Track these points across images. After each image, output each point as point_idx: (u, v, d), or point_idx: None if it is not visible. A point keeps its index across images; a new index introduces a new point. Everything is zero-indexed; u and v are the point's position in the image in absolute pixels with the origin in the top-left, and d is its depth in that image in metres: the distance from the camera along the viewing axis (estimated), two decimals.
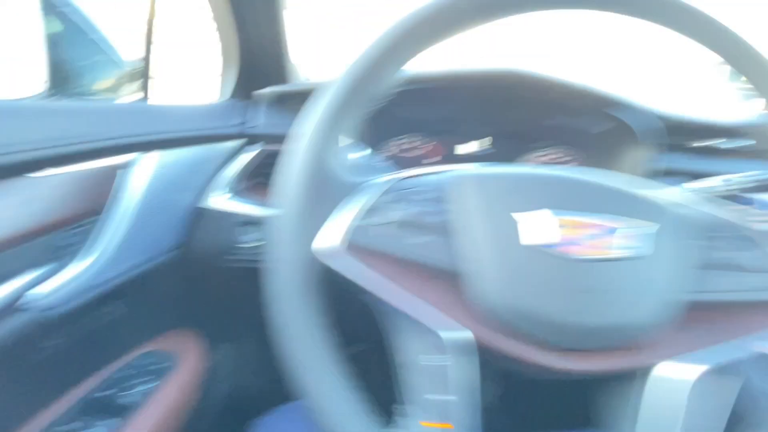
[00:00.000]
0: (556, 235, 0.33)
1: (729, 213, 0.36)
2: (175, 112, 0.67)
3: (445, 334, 0.33)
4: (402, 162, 0.79)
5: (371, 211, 0.35)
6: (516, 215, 0.34)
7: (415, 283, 0.34)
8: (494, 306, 0.33)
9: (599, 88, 0.69)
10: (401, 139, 0.78)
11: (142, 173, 0.60)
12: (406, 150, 0.78)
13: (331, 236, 0.34)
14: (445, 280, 0.34)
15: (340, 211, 0.35)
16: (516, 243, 0.33)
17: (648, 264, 0.33)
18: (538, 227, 0.33)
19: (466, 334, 0.33)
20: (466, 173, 0.37)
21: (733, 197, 0.44)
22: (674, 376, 0.33)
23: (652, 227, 0.33)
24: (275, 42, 0.78)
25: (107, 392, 0.53)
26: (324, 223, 0.34)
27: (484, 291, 0.33)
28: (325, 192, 0.35)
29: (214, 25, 0.73)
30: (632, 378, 0.35)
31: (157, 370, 0.59)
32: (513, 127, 0.78)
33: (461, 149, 0.79)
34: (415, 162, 0.79)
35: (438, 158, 0.79)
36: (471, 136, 0.79)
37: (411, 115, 0.77)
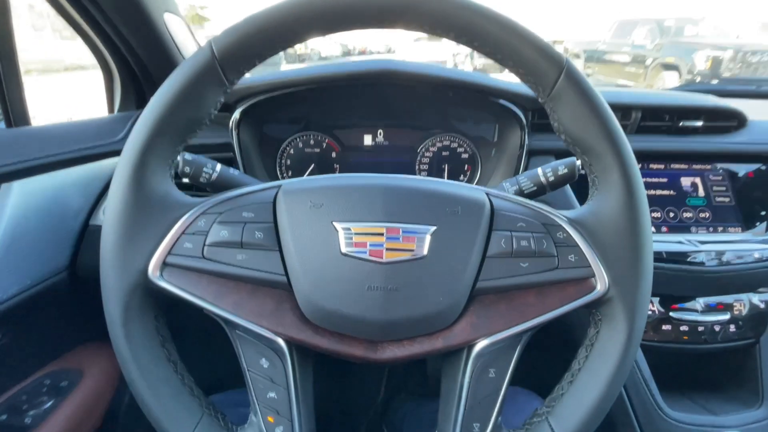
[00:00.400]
0: (364, 243, 0.36)
1: (531, 205, 0.40)
2: (54, 133, 0.66)
3: (274, 339, 0.36)
4: (298, 160, 0.80)
5: (195, 231, 0.37)
6: (337, 225, 0.37)
7: (243, 296, 0.37)
8: (318, 310, 0.36)
9: (476, 77, 0.72)
10: (295, 137, 0.80)
11: (18, 199, 0.60)
12: (301, 148, 0.80)
13: (155, 257, 0.36)
14: (273, 289, 0.37)
15: (165, 232, 0.37)
16: (337, 252, 0.36)
17: (427, 262, 0.36)
18: (350, 236, 0.36)
19: (293, 338, 0.36)
20: (289, 187, 0.39)
21: (541, 189, 0.48)
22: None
23: (429, 230, 0.37)
24: (158, 48, 0.77)
25: None
26: (148, 243, 0.36)
27: (309, 298, 0.36)
28: (148, 213, 0.36)
29: (81, 39, 0.72)
30: (451, 355, 0.39)
31: (57, 388, 0.62)
32: (402, 118, 0.80)
33: (355, 143, 0.81)
34: (312, 159, 0.81)
35: (334, 153, 0.81)
36: (363, 130, 0.81)
37: (301, 114, 0.79)
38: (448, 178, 0.81)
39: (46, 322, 0.65)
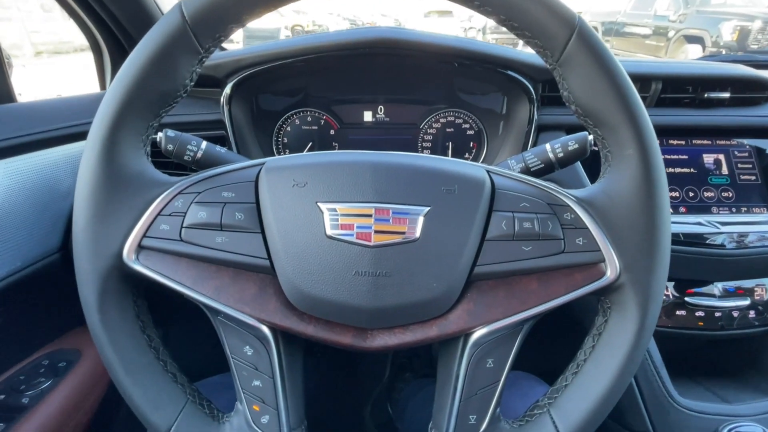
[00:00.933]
0: (351, 225, 0.33)
1: (536, 183, 0.37)
2: (40, 110, 0.64)
3: (257, 326, 0.34)
4: (295, 138, 0.77)
5: (172, 212, 0.35)
6: (322, 205, 0.34)
7: (224, 281, 0.35)
8: (303, 296, 0.34)
9: (482, 46, 0.67)
10: (291, 114, 0.76)
11: (4, 180, 0.59)
12: (298, 125, 0.77)
13: (130, 240, 0.34)
14: (256, 274, 0.35)
15: (140, 212, 0.34)
16: (322, 234, 0.33)
17: (420, 246, 0.33)
18: (336, 217, 0.33)
19: (277, 325, 0.34)
20: (272, 165, 0.36)
21: (549, 166, 0.44)
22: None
23: (422, 210, 0.34)
24: (145, 20, 0.73)
25: None
26: (122, 225, 0.34)
27: (294, 283, 0.33)
28: (121, 192, 0.34)
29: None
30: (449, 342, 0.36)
31: (55, 369, 0.62)
32: (404, 92, 0.76)
33: (354, 119, 0.77)
34: (310, 137, 0.77)
35: (332, 131, 0.77)
36: (363, 105, 0.77)
37: (297, 89, 0.75)
38: (453, 156, 0.77)
39: (41, 304, 0.65)
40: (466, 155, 0.78)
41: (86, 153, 0.34)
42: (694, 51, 5.47)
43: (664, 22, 6.03)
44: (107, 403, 0.65)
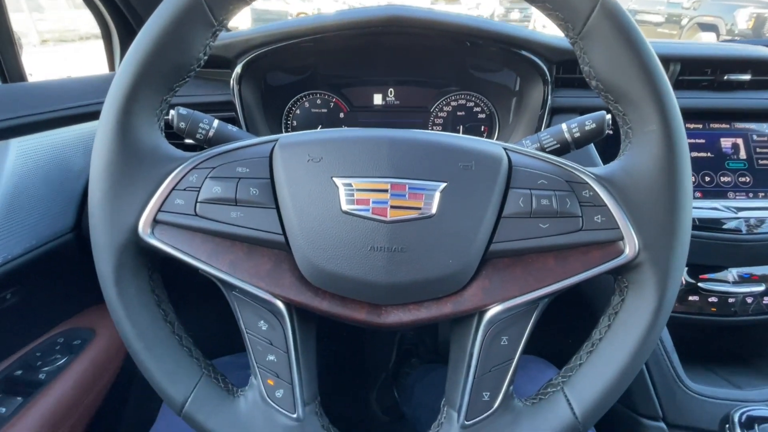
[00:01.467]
0: (367, 200, 0.33)
1: (554, 160, 0.36)
2: (52, 90, 0.64)
3: (272, 301, 0.34)
4: (305, 120, 0.77)
5: (186, 187, 0.35)
6: (337, 180, 0.34)
7: (239, 256, 0.35)
8: (318, 271, 0.34)
9: (495, 25, 0.65)
10: (301, 97, 0.75)
11: (17, 159, 0.59)
12: (308, 108, 0.76)
13: (145, 214, 0.34)
14: (270, 249, 0.35)
15: (155, 187, 0.34)
16: (338, 209, 0.33)
17: (436, 222, 0.33)
18: (351, 192, 0.33)
19: (292, 300, 0.34)
20: (286, 140, 0.36)
21: (565, 146, 0.43)
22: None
23: (439, 186, 0.33)
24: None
25: (12, 373, 0.56)
26: (138, 199, 0.34)
27: (308, 258, 0.33)
28: (136, 166, 0.34)
29: None
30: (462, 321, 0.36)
31: (70, 346, 0.63)
32: (414, 74, 0.75)
33: (364, 102, 0.76)
34: (319, 120, 0.77)
35: (342, 114, 0.77)
36: (373, 88, 0.76)
37: (307, 70, 0.74)
38: None
39: (56, 283, 0.66)
40: None
41: (101, 127, 0.33)
42: (707, 39, 5.34)
43: (678, 9, 5.89)
44: (121, 381, 0.66)
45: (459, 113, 0.76)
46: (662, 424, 0.62)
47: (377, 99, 0.76)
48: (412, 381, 0.86)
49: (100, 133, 0.33)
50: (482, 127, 0.76)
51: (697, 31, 5.51)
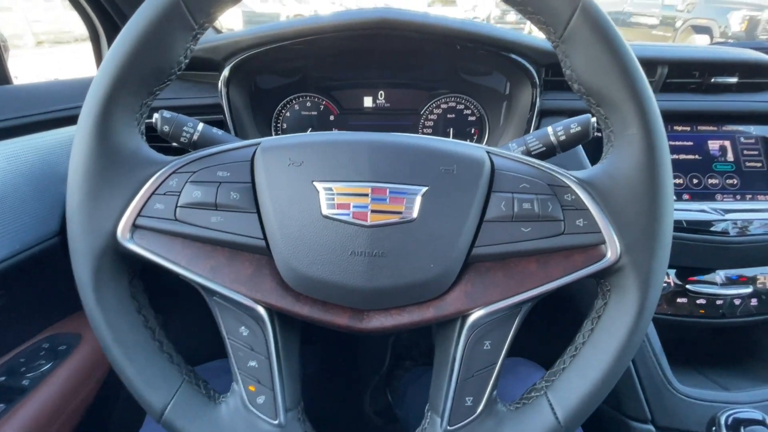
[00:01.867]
0: (347, 205, 0.33)
1: (536, 164, 0.36)
2: (38, 92, 0.64)
3: (252, 307, 0.34)
4: (294, 124, 0.76)
5: (166, 191, 0.35)
6: (318, 184, 0.33)
7: (219, 261, 0.35)
8: (299, 276, 0.33)
9: (484, 28, 0.65)
10: (290, 99, 0.75)
11: (4, 162, 0.58)
12: (297, 111, 0.76)
13: (124, 218, 0.34)
14: (251, 254, 0.35)
15: (135, 191, 0.34)
16: (318, 214, 0.33)
17: (417, 226, 0.33)
18: (332, 197, 0.33)
19: (273, 305, 0.34)
20: (268, 144, 0.36)
21: (551, 149, 0.43)
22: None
23: (420, 190, 0.33)
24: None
25: None
26: (116, 203, 0.34)
27: (289, 263, 0.33)
28: (115, 170, 0.33)
29: None
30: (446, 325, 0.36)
31: (55, 352, 0.62)
32: (404, 76, 0.75)
33: (354, 105, 0.76)
34: (309, 122, 0.76)
35: (332, 117, 0.77)
36: (363, 91, 0.76)
37: (296, 72, 0.74)
38: None
39: (42, 287, 0.65)
40: (468, 141, 0.77)
41: (79, 130, 0.33)
42: (701, 41, 5.39)
43: (672, 12, 5.94)
44: (107, 387, 0.66)
45: (449, 116, 0.76)
46: (651, 427, 0.62)
47: (367, 101, 0.76)
48: (405, 384, 0.86)
49: (78, 136, 0.33)
50: (472, 130, 0.77)
51: (691, 34, 5.56)
